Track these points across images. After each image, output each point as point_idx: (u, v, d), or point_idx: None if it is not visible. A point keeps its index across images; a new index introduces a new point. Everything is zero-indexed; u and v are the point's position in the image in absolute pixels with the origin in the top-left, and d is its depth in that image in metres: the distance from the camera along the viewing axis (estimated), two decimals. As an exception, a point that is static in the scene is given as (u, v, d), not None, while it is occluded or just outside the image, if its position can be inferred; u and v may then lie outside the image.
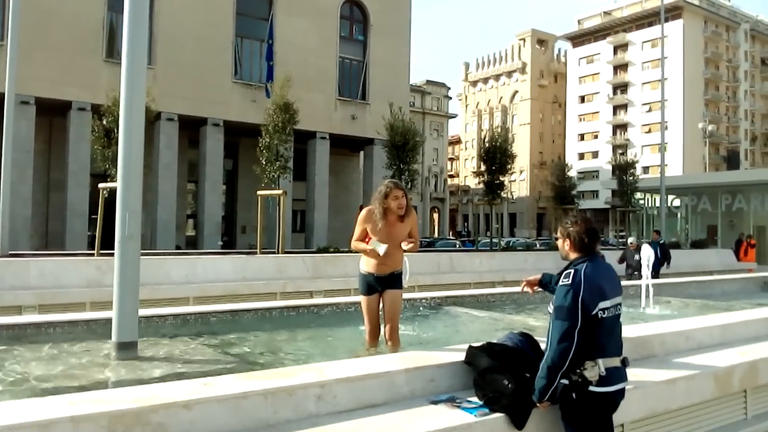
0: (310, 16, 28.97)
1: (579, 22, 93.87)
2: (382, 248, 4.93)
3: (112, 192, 13.59)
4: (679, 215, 34.78)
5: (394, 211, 5.02)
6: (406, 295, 7.57)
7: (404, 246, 5.06)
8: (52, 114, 23.95)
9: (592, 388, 3.16)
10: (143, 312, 5.38)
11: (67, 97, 23.11)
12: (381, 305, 5.27)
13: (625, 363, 3.33)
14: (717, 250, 26.08)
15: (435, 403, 3.49)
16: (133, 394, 2.99)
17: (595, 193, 74.34)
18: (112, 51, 23.72)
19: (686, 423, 4.57)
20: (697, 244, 27.24)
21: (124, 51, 4.83)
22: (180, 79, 25.12)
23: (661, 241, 17.30)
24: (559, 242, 3.52)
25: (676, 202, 34.00)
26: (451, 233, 72.21)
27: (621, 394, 3.31)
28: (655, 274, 15.60)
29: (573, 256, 3.39)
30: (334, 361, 3.91)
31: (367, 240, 5.12)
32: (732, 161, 64.56)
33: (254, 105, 25.20)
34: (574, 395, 3.18)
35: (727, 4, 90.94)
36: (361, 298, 5.32)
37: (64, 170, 23.77)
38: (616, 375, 3.25)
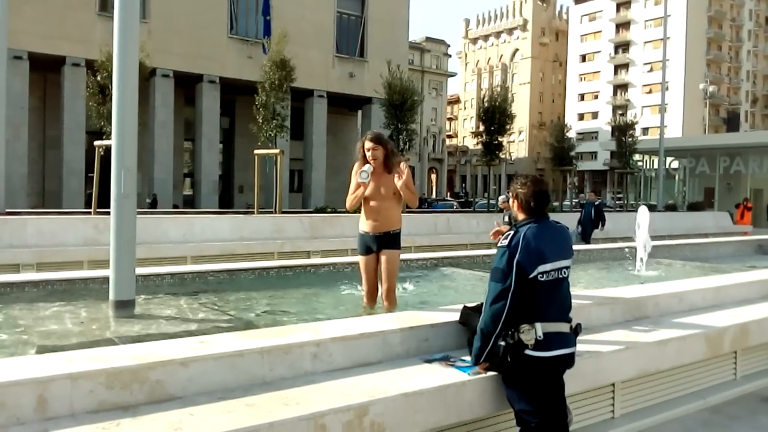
0: (307, -31, 28.34)
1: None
2: (365, 173, 4.90)
3: (108, 150, 13.52)
4: (677, 177, 34.79)
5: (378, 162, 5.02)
6: (403, 256, 7.62)
7: (396, 181, 4.98)
8: (46, 70, 23.60)
9: (528, 352, 3.09)
10: (140, 271, 5.41)
11: (60, 52, 22.74)
12: (378, 265, 5.30)
13: (575, 330, 3.24)
14: (713, 212, 26.17)
15: (429, 361, 3.54)
16: (130, 352, 3.02)
17: (593, 155, 74.14)
18: (106, 4, 23.23)
19: (677, 383, 4.65)
20: (693, 207, 27.32)
21: (116, 4, 4.73)
22: (175, 35, 24.71)
23: (597, 202, 16.99)
24: (510, 202, 3.47)
25: (675, 164, 33.97)
26: (448, 194, 72.25)
27: (563, 360, 3.19)
28: (586, 237, 15.68)
29: (521, 217, 3.35)
30: (330, 321, 3.95)
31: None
32: (732, 123, 64.15)
33: (251, 61, 24.84)
34: (509, 358, 3.12)
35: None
36: (359, 258, 5.35)
37: (60, 127, 23.57)
38: (557, 340, 3.14)
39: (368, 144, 5.04)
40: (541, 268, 3.11)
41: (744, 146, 31.30)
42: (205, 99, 26.56)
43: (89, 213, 13.24)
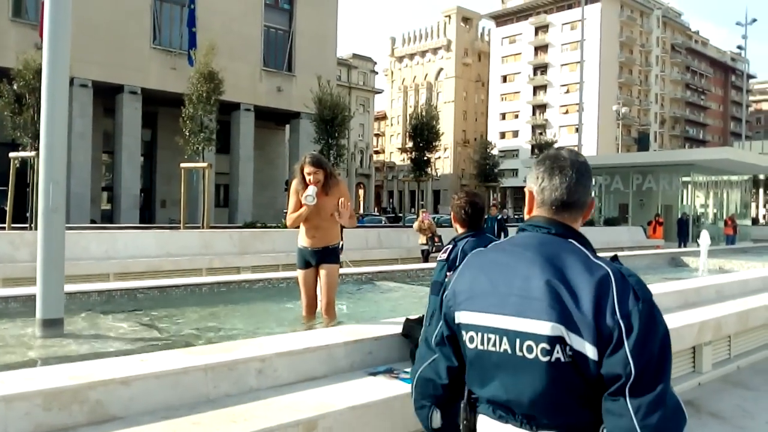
0: (234, -19, 28.07)
1: (502, 1, 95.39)
2: (310, 197, 4.93)
3: (24, 162, 12.84)
4: (593, 193, 36.37)
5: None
6: (342, 271, 7.64)
7: (338, 216, 5.03)
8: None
9: None
10: (67, 288, 5.17)
11: (-31, 59, 21.50)
12: (317, 279, 5.31)
13: None
14: (628, 227, 27.55)
15: (374, 374, 3.56)
16: (68, 372, 2.90)
17: (514, 172, 76.48)
18: (20, 10, 22.19)
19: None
20: (609, 222, 28.65)
21: (47, 10, 4.56)
22: (95, 43, 23.83)
23: (499, 216, 17.33)
24: (451, 216, 3.56)
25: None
26: (376, 209, 72.66)
27: None
28: None
29: (459, 230, 3.44)
30: (275, 336, 3.91)
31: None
32: (642, 143, 67.82)
33: (174, 73, 24.29)
34: None
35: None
36: (298, 272, 5.35)
37: (-32, 138, 22.21)
38: None
39: (308, 168, 5.06)
40: None
41: (655, 164, 33.16)
42: (125, 110, 25.69)
43: (3, 228, 12.53)
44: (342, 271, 7.72)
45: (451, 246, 3.32)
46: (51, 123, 4.44)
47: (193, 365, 3.06)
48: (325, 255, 5.24)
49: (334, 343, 3.67)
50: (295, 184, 5.19)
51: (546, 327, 1.45)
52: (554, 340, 1.45)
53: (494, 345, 1.54)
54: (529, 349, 1.48)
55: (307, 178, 5.05)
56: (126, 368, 2.96)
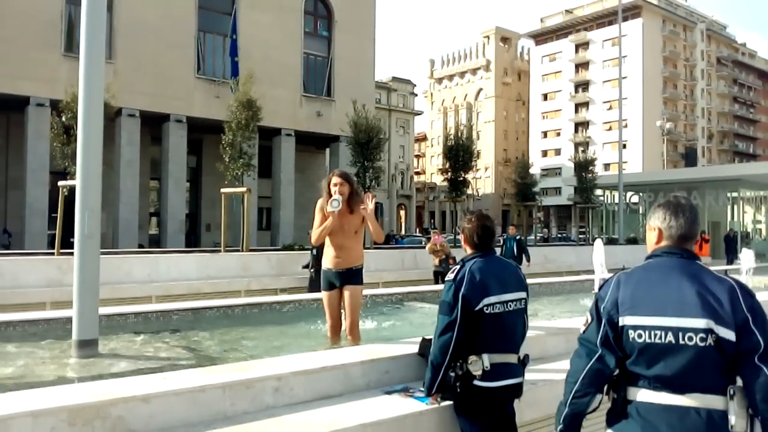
0: (273, 11, 28.86)
1: (542, 20, 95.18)
2: (336, 201, 5.02)
3: (72, 190, 13.41)
4: (639, 211, 35.66)
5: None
6: (368, 292, 7.72)
7: (362, 209, 5.13)
8: (9, 110, 23.44)
9: (476, 383, 3.18)
10: (104, 311, 5.41)
11: (23, 92, 22.62)
12: (342, 301, 5.41)
13: (523, 361, 3.35)
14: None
15: (389, 393, 3.62)
16: (92, 389, 3.06)
17: (558, 190, 75.51)
18: (71, 45, 23.26)
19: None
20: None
21: (82, 45, 4.82)
22: (141, 75, 24.79)
23: (518, 237, 16.82)
24: (460, 237, 3.61)
25: (635, 198, 34.87)
26: (417, 230, 72.63)
27: (510, 389, 3.27)
28: None
29: (468, 251, 3.48)
30: (292, 355, 4.02)
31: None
32: (690, 158, 66.41)
33: (218, 101, 25.03)
34: (459, 388, 3.21)
35: (684, 4, 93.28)
36: (323, 294, 5.45)
37: (23, 168, 23.28)
38: (504, 371, 3.23)
39: (335, 179, 5.20)
40: (486, 300, 3.21)
41: (699, 181, 32.37)
42: (171, 138, 26.56)
43: (52, 254, 13.07)
44: (371, 291, 7.81)
45: (459, 266, 3.37)
46: (86, 153, 4.69)
47: (211, 383, 3.18)
48: (349, 276, 5.34)
49: (351, 362, 3.75)
50: (320, 202, 5.31)
51: (702, 323, 2.17)
52: (707, 331, 2.16)
53: (660, 338, 2.21)
54: (690, 339, 2.18)
55: (332, 189, 5.17)
56: (147, 386, 3.11)
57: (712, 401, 2.17)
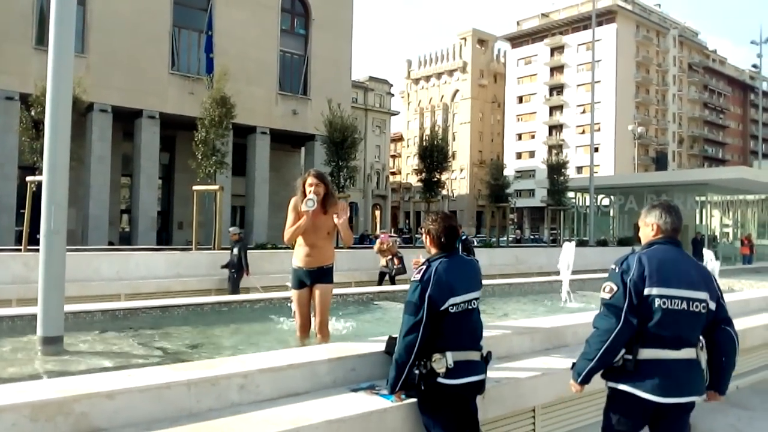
0: (250, 7, 28.68)
1: (518, 23, 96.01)
2: (311, 201, 5.03)
3: (40, 185, 13.20)
4: (610, 213, 36.21)
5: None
6: (340, 291, 7.75)
7: (336, 219, 5.11)
8: (-24, 103, 22.90)
9: (440, 380, 3.24)
10: (70, 308, 5.37)
11: (-7, 86, 22.17)
12: (312, 299, 5.42)
13: (485, 358, 3.42)
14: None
15: (355, 390, 3.67)
16: (56, 385, 3.05)
17: (531, 192, 76.29)
18: (43, 38, 22.83)
19: (593, 407, 4.90)
20: (623, 242, 28.46)
21: (51, 38, 4.78)
22: (114, 69, 24.46)
23: (464, 236, 17.21)
24: (423, 238, 3.65)
25: (605, 201, 35.40)
26: (393, 230, 72.73)
27: (472, 386, 3.35)
28: None
29: (433, 251, 3.53)
30: (259, 353, 4.04)
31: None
32: (660, 162, 67.51)
33: (192, 97, 24.76)
34: (423, 386, 3.28)
35: (658, 10, 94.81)
36: (292, 292, 5.47)
37: (-10, 162, 22.78)
38: (467, 368, 3.30)
39: (311, 179, 5.21)
40: (452, 300, 3.28)
41: (669, 184, 32.98)
42: (144, 134, 26.24)
43: (20, 250, 12.85)
44: (343, 291, 7.85)
45: (425, 267, 3.41)
46: (54, 147, 4.64)
47: (176, 380, 3.20)
48: (319, 275, 5.35)
49: (317, 360, 3.78)
50: (294, 200, 5.31)
51: (704, 295, 3.00)
52: (705, 302, 3.00)
53: (676, 305, 2.94)
54: (696, 307, 2.97)
55: (308, 189, 5.18)
56: (111, 382, 3.11)
57: (692, 353, 2.99)
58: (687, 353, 2.96)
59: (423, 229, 3.65)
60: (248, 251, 12.91)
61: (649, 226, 3.20)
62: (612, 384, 3.05)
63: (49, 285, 4.52)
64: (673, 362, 2.93)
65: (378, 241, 14.39)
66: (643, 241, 3.24)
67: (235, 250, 12.61)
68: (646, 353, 2.94)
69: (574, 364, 3.16)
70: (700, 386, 3.04)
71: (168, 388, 3.14)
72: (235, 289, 12.26)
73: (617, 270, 3.05)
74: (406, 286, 9.44)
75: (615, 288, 2.99)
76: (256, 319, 6.49)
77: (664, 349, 2.92)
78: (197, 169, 17.11)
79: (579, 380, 3.07)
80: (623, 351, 2.96)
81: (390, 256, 13.43)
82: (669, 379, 2.91)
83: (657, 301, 2.91)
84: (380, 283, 13.14)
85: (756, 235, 34.56)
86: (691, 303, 2.94)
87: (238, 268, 12.54)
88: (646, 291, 2.93)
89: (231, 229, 13.88)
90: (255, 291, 11.08)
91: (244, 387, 3.39)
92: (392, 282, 13.01)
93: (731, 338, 3.09)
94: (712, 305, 3.01)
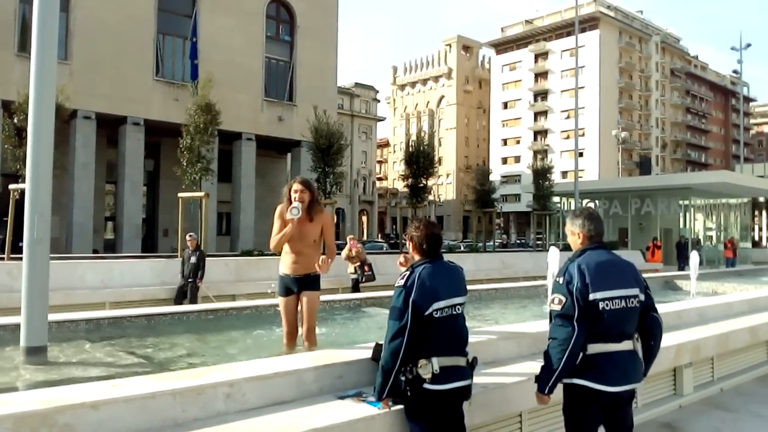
0: (235, 14, 28.63)
1: (502, 29, 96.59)
2: (296, 209, 5.03)
3: (23, 193, 13.07)
4: (594, 218, 36.36)
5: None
6: (327, 297, 7.74)
7: (320, 267, 5.14)
8: (-43, 110, 22.63)
9: (426, 386, 3.24)
10: (54, 317, 5.31)
11: (-26, 93, 21.91)
12: (299, 306, 5.41)
13: (471, 363, 3.44)
14: (627, 251, 27.54)
15: (342, 398, 3.66)
16: (39, 396, 3.01)
17: (517, 197, 76.63)
18: (25, 44, 22.64)
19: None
20: (608, 246, 28.62)
21: (34, 44, 4.74)
22: (98, 76, 24.29)
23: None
24: (407, 244, 3.66)
25: (590, 206, 35.64)
26: (380, 236, 72.74)
27: (459, 392, 3.35)
28: None
29: (416, 258, 3.55)
30: (245, 361, 4.02)
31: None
32: (644, 167, 67.86)
33: (177, 104, 24.63)
34: (409, 392, 3.29)
35: (640, 17, 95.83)
36: (279, 299, 5.45)
37: (-29, 170, 22.52)
38: (453, 374, 3.30)
39: (297, 186, 5.21)
40: (436, 305, 3.29)
41: (652, 189, 33.26)
42: (128, 141, 26.05)
43: (2, 258, 12.70)
44: (329, 297, 7.84)
45: (408, 272, 3.42)
46: (37, 155, 4.60)
47: (162, 390, 3.17)
48: (306, 282, 5.34)
49: (304, 368, 3.77)
50: (280, 208, 5.31)
51: (636, 291, 3.29)
52: (637, 296, 3.29)
53: (617, 305, 3.21)
54: (632, 303, 3.26)
55: (293, 196, 5.18)
56: (96, 393, 3.08)
57: (630, 344, 3.28)
58: (627, 345, 3.25)
59: (406, 236, 3.66)
60: (231, 258, 12.79)
61: (575, 234, 3.47)
62: (566, 380, 3.27)
63: (32, 294, 4.47)
64: (617, 354, 3.22)
65: (346, 247, 14.08)
66: (573, 247, 3.52)
67: (194, 258, 11.95)
68: (594, 348, 3.20)
69: (537, 376, 3.35)
70: (641, 374, 3.33)
71: (153, 398, 3.12)
72: (194, 298, 11.66)
73: (561, 281, 3.28)
74: (384, 293, 9.44)
75: (563, 299, 3.21)
76: (243, 327, 6.46)
77: (608, 343, 3.20)
78: (182, 176, 17.00)
79: (546, 391, 3.27)
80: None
81: (359, 263, 13.12)
82: (617, 369, 3.20)
83: (601, 304, 3.16)
84: (354, 290, 12.79)
85: (739, 238, 34.97)
86: (628, 300, 3.24)
87: (195, 277, 11.90)
88: (591, 296, 3.17)
89: (191, 234, 12.69)
90: (207, 300, 10.92)
91: (230, 396, 3.38)
92: (357, 289, 12.58)
93: (659, 323, 3.41)
94: (642, 297, 3.31)
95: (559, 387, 3.33)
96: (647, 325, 3.36)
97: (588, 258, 3.30)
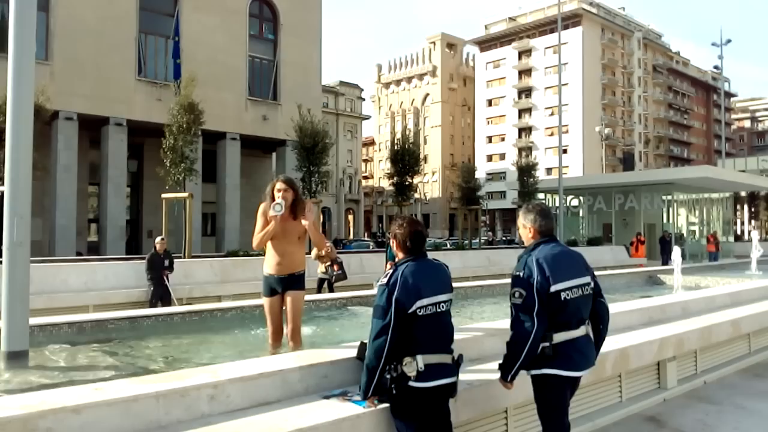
0: (217, 12, 28.47)
1: (486, 27, 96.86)
2: (279, 206, 5.01)
3: (2, 196, 12.90)
4: (579, 214, 36.74)
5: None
6: (312, 297, 7.72)
7: (303, 222, 5.11)
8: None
9: (411, 383, 3.24)
10: (36, 321, 5.25)
11: (-48, 94, 21.61)
12: (283, 306, 5.39)
13: (457, 360, 3.45)
14: (611, 247, 27.77)
15: (327, 397, 3.65)
16: (20, 401, 2.98)
17: (502, 194, 76.99)
18: (3, 44, 22.37)
19: (565, 407, 4.96)
20: (592, 242, 28.86)
21: (11, 44, 4.68)
22: (79, 76, 24.05)
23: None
24: (391, 242, 3.67)
25: (575, 202, 35.89)
26: (366, 234, 72.72)
27: (444, 389, 3.35)
28: None
29: (400, 255, 3.55)
30: (229, 363, 3.99)
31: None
32: (627, 163, 68.53)
33: (160, 104, 24.44)
34: (394, 390, 3.29)
35: (622, 13, 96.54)
36: (264, 300, 5.42)
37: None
38: (438, 371, 3.30)
39: (280, 185, 5.19)
40: (419, 303, 3.28)
41: (636, 184, 33.54)
42: (111, 142, 25.82)
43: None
44: (316, 297, 7.82)
45: (392, 271, 3.42)
46: (15, 157, 4.54)
47: (145, 393, 3.15)
48: (291, 282, 5.32)
49: (289, 368, 3.76)
50: (263, 206, 5.28)
51: (588, 279, 3.51)
52: (590, 283, 3.51)
53: (575, 293, 3.41)
54: (586, 290, 3.48)
55: (276, 195, 5.15)
56: (78, 396, 3.04)
57: (584, 329, 3.48)
58: (583, 330, 3.47)
59: (390, 234, 3.66)
60: (216, 258, 12.70)
61: (527, 228, 3.66)
62: (536, 371, 3.45)
63: (13, 298, 4.41)
64: (577, 339, 3.42)
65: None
66: (525, 241, 3.71)
67: (167, 261, 11.83)
68: (559, 336, 3.37)
69: (500, 365, 3.55)
70: (594, 357, 3.58)
71: (136, 401, 3.09)
72: (161, 301, 11.35)
73: (522, 275, 3.42)
74: (369, 292, 9.44)
75: (524, 293, 3.36)
76: (228, 328, 6.42)
77: (570, 331, 3.39)
78: (166, 177, 16.88)
79: (509, 378, 3.50)
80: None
81: (329, 262, 12.75)
82: (580, 354, 3.43)
83: (563, 294, 3.35)
84: (320, 290, 12.51)
85: (721, 232, 35.36)
86: (583, 288, 3.45)
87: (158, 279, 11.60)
88: (553, 288, 3.34)
89: (161, 237, 12.41)
90: (181, 303, 10.81)
91: (215, 397, 3.36)
92: (330, 289, 12.42)
93: (606, 309, 3.66)
94: (592, 284, 3.54)
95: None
96: (597, 311, 3.59)
97: (543, 251, 3.47)
